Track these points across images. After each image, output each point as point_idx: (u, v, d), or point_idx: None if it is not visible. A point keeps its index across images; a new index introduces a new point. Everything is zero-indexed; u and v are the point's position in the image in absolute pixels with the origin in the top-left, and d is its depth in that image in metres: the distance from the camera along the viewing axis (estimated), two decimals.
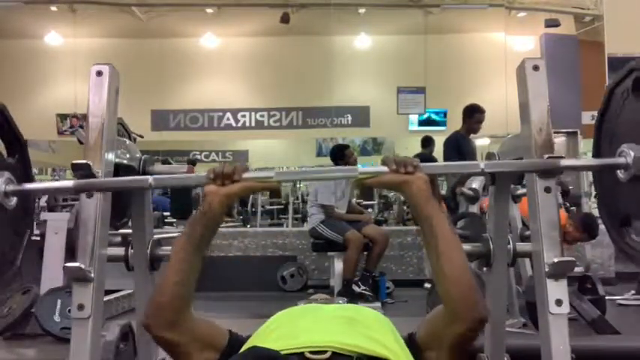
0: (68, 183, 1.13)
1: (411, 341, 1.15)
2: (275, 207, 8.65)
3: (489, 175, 1.48)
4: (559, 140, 7.73)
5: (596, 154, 1.24)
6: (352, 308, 1.19)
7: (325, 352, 0.99)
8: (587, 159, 1.21)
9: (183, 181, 1.40)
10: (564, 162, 1.14)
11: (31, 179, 1.22)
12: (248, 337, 1.16)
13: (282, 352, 0.98)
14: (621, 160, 1.10)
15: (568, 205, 4.68)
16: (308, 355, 0.98)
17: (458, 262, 1.10)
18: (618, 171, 1.12)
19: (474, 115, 4.59)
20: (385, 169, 1.16)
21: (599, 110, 1.23)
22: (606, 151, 1.19)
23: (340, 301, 1.38)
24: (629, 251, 1.16)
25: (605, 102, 1.20)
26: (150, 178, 1.14)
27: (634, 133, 1.11)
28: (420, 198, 1.13)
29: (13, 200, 1.10)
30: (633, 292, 4.40)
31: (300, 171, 0.98)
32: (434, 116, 9.30)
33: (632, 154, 1.07)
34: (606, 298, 3.53)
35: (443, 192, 5.15)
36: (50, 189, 1.20)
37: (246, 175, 1.14)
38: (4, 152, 1.15)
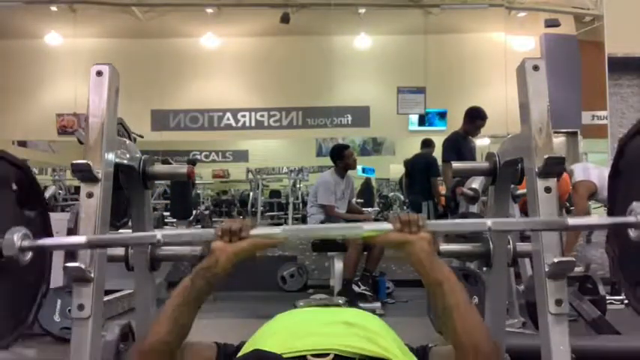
0: (81, 239, 1.11)
1: (423, 353, 1.15)
2: (274, 200, 8.68)
3: (489, 175, 1.48)
4: (559, 140, 7.73)
5: (610, 212, 1.18)
6: (350, 312, 1.19)
7: (327, 354, 0.98)
8: (598, 217, 1.17)
9: (191, 237, 1.36)
10: (572, 221, 1.09)
11: (49, 232, 1.20)
12: (239, 346, 1.16)
13: (284, 356, 0.98)
14: (631, 218, 1.04)
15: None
16: (310, 358, 0.98)
17: (473, 324, 1.09)
18: (629, 230, 1.06)
19: (475, 120, 4.59)
20: (390, 226, 1.14)
21: (611, 167, 1.17)
22: (620, 209, 1.12)
23: (340, 301, 1.38)
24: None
25: (616, 158, 1.14)
26: (158, 234, 1.14)
27: None
28: (422, 258, 1.12)
29: (28, 255, 1.09)
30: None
31: (308, 227, 0.99)
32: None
33: None
34: (606, 298, 3.53)
35: (443, 192, 5.15)
36: (64, 245, 1.20)
37: (253, 231, 1.14)
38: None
